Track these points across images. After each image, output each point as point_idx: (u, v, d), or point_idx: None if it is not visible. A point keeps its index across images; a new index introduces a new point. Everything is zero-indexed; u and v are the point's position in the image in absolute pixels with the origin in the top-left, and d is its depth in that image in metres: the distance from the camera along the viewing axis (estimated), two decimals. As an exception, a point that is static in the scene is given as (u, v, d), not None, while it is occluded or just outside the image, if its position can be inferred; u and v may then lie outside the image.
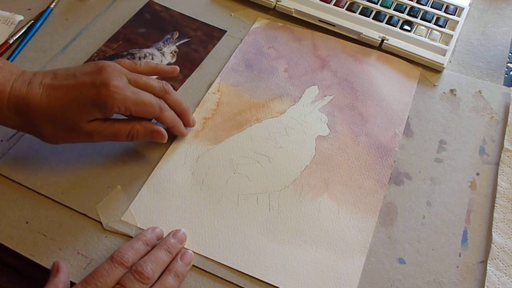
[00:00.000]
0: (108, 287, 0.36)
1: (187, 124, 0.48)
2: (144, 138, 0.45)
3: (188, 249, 0.41)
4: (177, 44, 0.57)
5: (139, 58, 0.55)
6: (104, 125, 0.42)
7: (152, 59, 0.55)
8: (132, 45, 0.57)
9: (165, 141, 0.45)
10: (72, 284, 0.39)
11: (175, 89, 0.53)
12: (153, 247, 0.40)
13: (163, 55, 0.56)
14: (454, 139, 0.50)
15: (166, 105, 0.45)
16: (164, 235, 0.42)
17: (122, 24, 0.59)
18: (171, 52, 0.56)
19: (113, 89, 0.40)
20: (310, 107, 0.52)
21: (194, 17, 0.61)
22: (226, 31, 0.59)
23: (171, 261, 0.40)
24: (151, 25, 0.59)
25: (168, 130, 0.46)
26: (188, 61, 0.56)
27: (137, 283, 0.36)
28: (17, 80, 0.41)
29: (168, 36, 0.58)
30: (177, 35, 0.58)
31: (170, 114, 0.45)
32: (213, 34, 0.59)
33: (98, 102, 0.40)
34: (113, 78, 0.41)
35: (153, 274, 0.37)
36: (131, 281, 0.36)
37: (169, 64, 0.55)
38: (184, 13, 0.61)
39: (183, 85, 0.53)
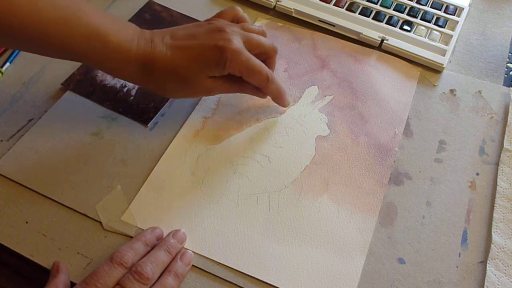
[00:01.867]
0: (108, 287, 0.36)
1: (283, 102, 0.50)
2: (251, 93, 0.48)
3: (188, 249, 0.41)
4: None
5: None
6: (222, 83, 0.45)
7: None
8: None
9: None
10: (72, 284, 0.39)
11: None
12: (152, 248, 0.40)
13: None
14: (454, 139, 0.50)
15: (273, 76, 0.46)
16: (164, 235, 0.42)
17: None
18: None
19: (233, 52, 0.42)
20: (310, 107, 0.52)
21: (194, 17, 0.60)
22: None
23: (170, 262, 0.40)
24: (151, 25, 0.59)
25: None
26: None
27: (137, 283, 0.36)
28: (140, 38, 0.43)
29: None
30: None
31: (274, 87, 0.47)
32: None
33: (219, 63, 0.43)
34: (233, 41, 0.43)
35: (152, 274, 0.37)
36: (130, 282, 0.36)
37: None
38: (184, 13, 0.61)
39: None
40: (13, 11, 0.38)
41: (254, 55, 0.45)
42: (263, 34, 0.48)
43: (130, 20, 0.59)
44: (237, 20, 0.48)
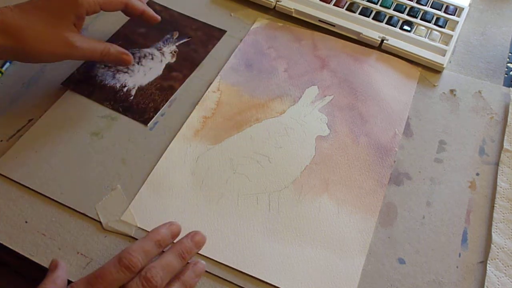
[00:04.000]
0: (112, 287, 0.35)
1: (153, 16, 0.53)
2: (114, 59, 0.49)
3: (200, 260, 0.40)
4: (176, 44, 0.57)
5: (139, 58, 0.55)
6: (82, 37, 0.46)
7: (152, 59, 0.55)
8: (132, 44, 0.57)
9: (131, 63, 0.51)
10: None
11: (175, 88, 0.53)
12: (165, 247, 0.39)
13: (163, 54, 0.56)
14: (454, 139, 0.50)
15: None
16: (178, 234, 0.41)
17: (122, 24, 0.59)
18: (171, 52, 0.56)
19: None
20: (310, 107, 0.52)
21: (194, 17, 0.61)
22: (226, 31, 0.59)
23: (183, 268, 0.38)
24: (151, 25, 0.59)
25: (140, 17, 0.52)
26: (188, 61, 0.56)
27: None
28: None
29: (168, 36, 0.58)
30: (177, 35, 0.58)
31: (136, 3, 0.50)
32: (213, 34, 0.59)
33: (68, 2, 0.45)
34: None
35: (162, 282, 0.36)
36: (137, 287, 0.35)
37: (169, 64, 0.55)
38: (184, 13, 0.61)
39: (183, 84, 0.53)
40: None
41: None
42: None
43: (129, 20, 0.59)
44: None
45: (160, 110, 0.51)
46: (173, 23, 0.60)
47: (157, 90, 0.52)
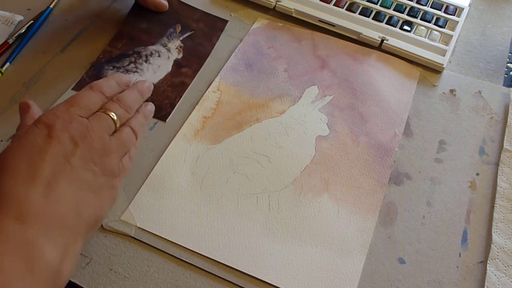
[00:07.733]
0: (90, 110, 0.38)
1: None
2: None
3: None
4: (181, 38, 0.57)
5: (146, 56, 0.55)
6: None
7: (159, 56, 0.55)
8: (137, 43, 0.57)
9: (165, 9, 0.59)
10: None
11: (187, 84, 0.53)
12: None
13: (169, 51, 0.56)
14: (454, 139, 0.50)
15: None
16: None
17: (122, 20, 0.59)
18: (177, 48, 0.56)
19: None
20: (310, 107, 0.52)
21: (193, 6, 0.61)
22: (227, 21, 0.59)
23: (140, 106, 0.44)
24: (151, 17, 0.59)
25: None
26: (195, 56, 0.56)
27: (120, 109, 0.40)
28: None
29: (171, 30, 0.58)
30: (180, 28, 0.58)
31: None
32: (215, 25, 0.59)
33: None
34: None
35: (133, 105, 0.41)
36: (114, 106, 0.39)
37: (177, 60, 0.55)
38: (184, 1, 0.61)
39: (194, 80, 0.54)
40: None
41: None
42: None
43: (131, 10, 0.60)
44: None
45: (176, 106, 0.51)
46: (173, 14, 0.60)
47: (169, 87, 0.52)
